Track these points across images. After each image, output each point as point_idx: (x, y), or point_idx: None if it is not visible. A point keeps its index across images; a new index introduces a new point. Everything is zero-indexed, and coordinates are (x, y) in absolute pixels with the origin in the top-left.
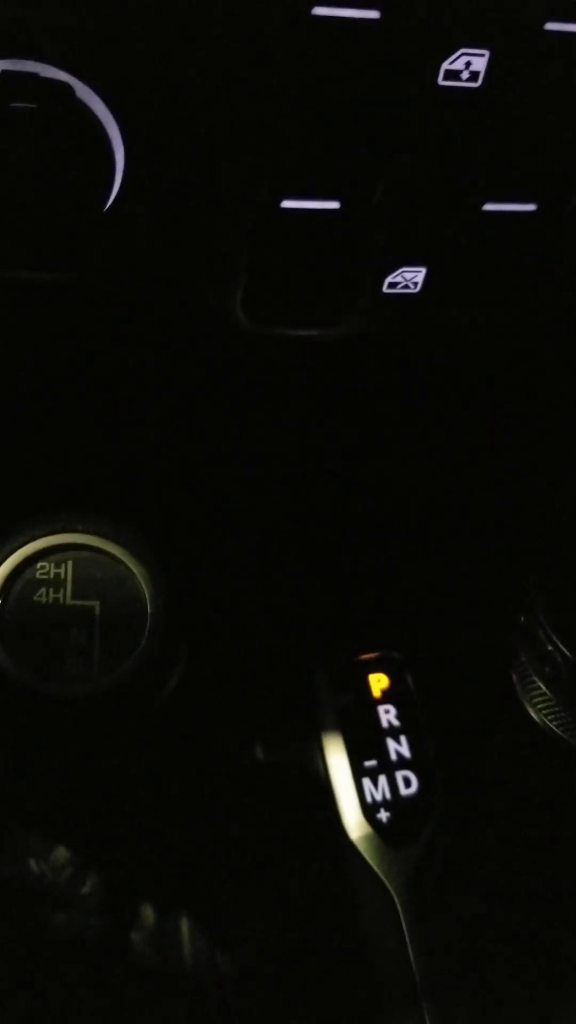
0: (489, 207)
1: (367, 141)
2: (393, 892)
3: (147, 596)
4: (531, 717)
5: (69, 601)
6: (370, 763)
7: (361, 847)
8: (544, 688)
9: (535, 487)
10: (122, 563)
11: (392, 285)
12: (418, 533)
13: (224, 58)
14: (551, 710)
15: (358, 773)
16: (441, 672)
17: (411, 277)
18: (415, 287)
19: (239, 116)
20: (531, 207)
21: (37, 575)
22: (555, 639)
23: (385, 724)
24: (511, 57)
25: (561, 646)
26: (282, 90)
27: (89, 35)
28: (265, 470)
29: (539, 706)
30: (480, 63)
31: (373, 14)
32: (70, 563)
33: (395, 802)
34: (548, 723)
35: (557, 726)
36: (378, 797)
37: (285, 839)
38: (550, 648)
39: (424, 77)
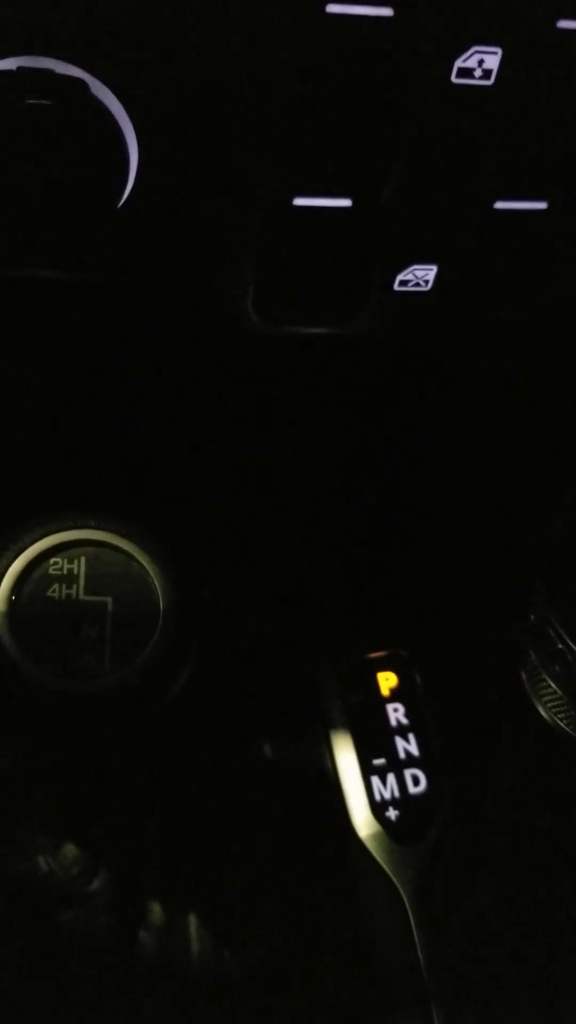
0: (500, 205)
1: (379, 139)
2: (402, 890)
3: (159, 593)
4: (540, 715)
5: (82, 597)
6: (379, 761)
7: (370, 845)
8: (554, 686)
9: (545, 485)
10: (135, 559)
11: (403, 283)
12: (427, 531)
13: (237, 55)
14: (560, 708)
15: (367, 771)
16: (450, 670)
17: (422, 275)
18: (426, 285)
19: (252, 113)
20: (542, 205)
21: (50, 571)
22: (565, 637)
23: (394, 722)
24: (524, 55)
25: (571, 644)
26: (295, 88)
27: (104, 32)
28: (275, 468)
29: (548, 704)
30: (493, 61)
31: (386, 12)
32: (83, 559)
33: (404, 800)
34: (558, 721)
35: (567, 724)
36: (387, 795)
37: (293, 837)
38: (560, 646)
39: (437, 75)
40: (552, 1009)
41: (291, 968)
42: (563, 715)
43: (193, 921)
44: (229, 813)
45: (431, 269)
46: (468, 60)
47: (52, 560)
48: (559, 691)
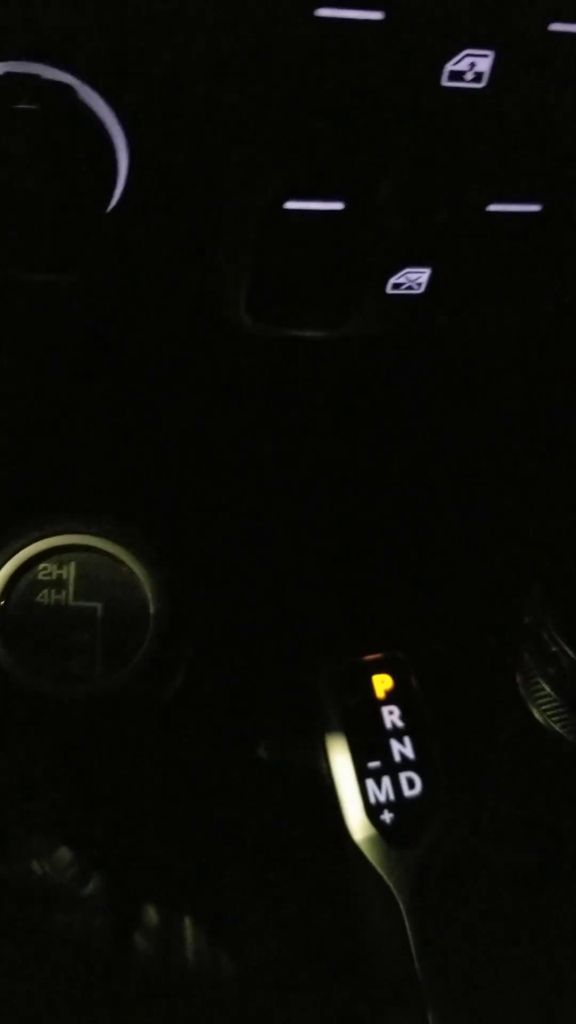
0: (494, 208)
1: (371, 142)
2: (396, 894)
3: (150, 597)
4: (535, 718)
5: (71, 602)
6: (374, 764)
7: (364, 848)
8: (548, 689)
9: (540, 488)
10: (125, 564)
11: (396, 286)
12: (423, 534)
13: (227, 59)
14: (555, 711)
15: (362, 774)
16: (445, 673)
17: (415, 278)
18: (419, 288)
19: (242, 117)
20: (536, 208)
21: (39, 576)
22: (559, 640)
23: (389, 725)
24: (515, 58)
25: (565, 647)
26: (285, 91)
27: (92, 36)
28: (269, 471)
29: (543, 707)
30: (484, 64)
31: (377, 15)
32: (72, 564)
33: (399, 803)
34: (552, 724)
35: (561, 727)
36: (382, 798)
37: (288, 840)
38: (555, 649)
39: (428, 78)
40: (548, 1012)
41: (286, 971)
42: (557, 718)
43: (188, 924)
44: (224, 816)
45: (424, 272)
46: (459, 63)
47: (41, 565)
48: (553, 694)
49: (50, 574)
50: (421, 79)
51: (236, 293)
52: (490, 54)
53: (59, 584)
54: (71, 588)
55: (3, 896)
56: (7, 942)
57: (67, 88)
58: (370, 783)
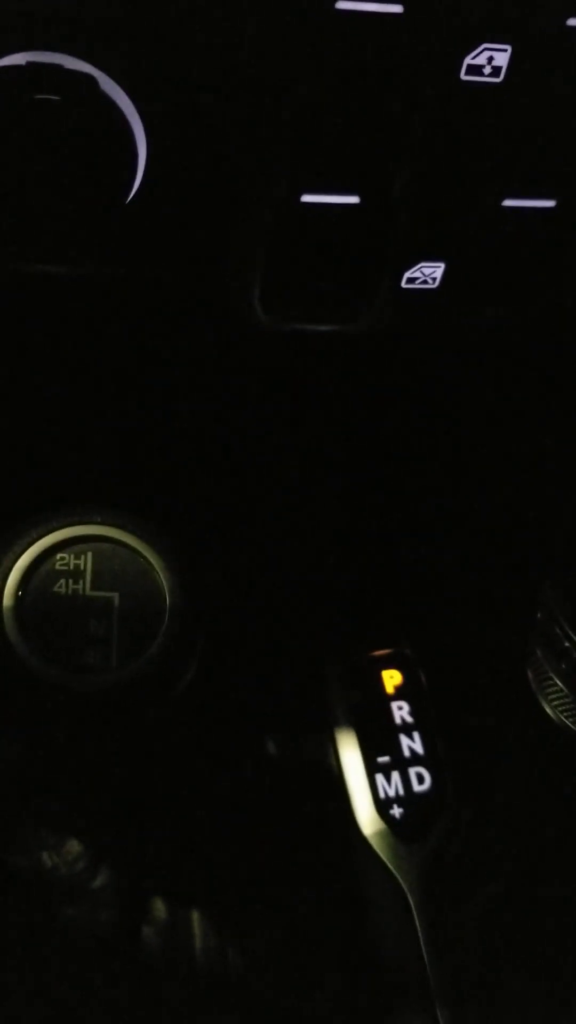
0: (508, 203)
1: (388, 135)
2: (406, 888)
3: (165, 589)
4: (546, 713)
5: (88, 592)
6: (383, 759)
7: (374, 843)
8: (560, 684)
9: (552, 483)
10: (141, 555)
11: (411, 280)
12: (434, 529)
13: (247, 52)
14: (567, 706)
15: (371, 769)
16: (455, 668)
17: (430, 272)
18: (434, 282)
19: (261, 109)
20: (550, 203)
21: (56, 566)
22: (572, 635)
23: (398, 720)
24: (533, 53)
25: None
26: (304, 84)
27: (113, 28)
28: (282, 466)
29: (554, 702)
30: (502, 58)
31: (396, 8)
32: (89, 554)
33: (408, 798)
34: (563, 719)
35: (573, 722)
36: (391, 793)
37: (298, 835)
38: (567, 644)
39: (446, 72)
40: (557, 1007)
41: (294, 966)
42: (569, 713)
43: (196, 918)
44: (233, 810)
45: (439, 267)
46: (477, 57)
47: (59, 555)
48: (565, 689)
49: (67, 564)
50: (439, 72)
51: (250, 286)
52: (508, 48)
53: (76, 574)
54: (88, 578)
55: (12, 888)
56: (16, 933)
57: (89, 78)
58: (379, 778)
